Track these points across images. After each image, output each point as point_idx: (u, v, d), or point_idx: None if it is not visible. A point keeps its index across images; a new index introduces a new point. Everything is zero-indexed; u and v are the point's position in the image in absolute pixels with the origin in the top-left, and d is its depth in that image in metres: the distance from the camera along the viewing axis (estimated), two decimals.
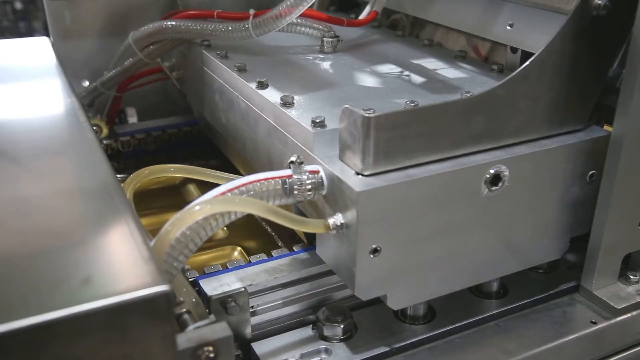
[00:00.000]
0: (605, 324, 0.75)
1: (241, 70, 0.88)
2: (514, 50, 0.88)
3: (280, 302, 0.72)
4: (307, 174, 0.65)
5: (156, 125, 1.20)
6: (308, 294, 0.74)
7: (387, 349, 0.69)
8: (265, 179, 0.65)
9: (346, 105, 0.63)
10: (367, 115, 0.60)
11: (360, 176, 0.62)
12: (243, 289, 0.67)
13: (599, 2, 0.66)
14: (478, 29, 0.90)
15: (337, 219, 0.64)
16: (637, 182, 0.73)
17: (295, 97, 0.77)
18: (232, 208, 0.61)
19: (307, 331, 0.72)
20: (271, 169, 0.80)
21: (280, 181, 0.65)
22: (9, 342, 0.40)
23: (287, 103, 0.75)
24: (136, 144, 1.17)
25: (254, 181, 0.64)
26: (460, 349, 0.71)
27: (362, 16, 1.09)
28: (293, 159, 0.67)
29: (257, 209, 0.61)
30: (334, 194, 0.64)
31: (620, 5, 0.67)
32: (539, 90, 0.68)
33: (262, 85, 0.81)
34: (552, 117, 0.71)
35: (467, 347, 0.71)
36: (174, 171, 0.82)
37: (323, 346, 0.70)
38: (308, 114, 0.72)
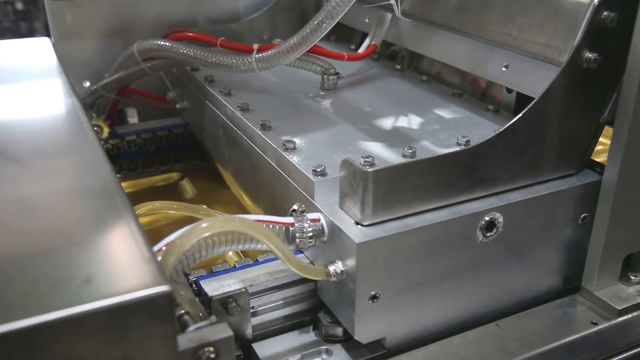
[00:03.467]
0: (606, 324, 0.76)
1: (244, 109, 0.91)
2: (509, 90, 0.90)
3: (281, 302, 0.73)
4: (308, 222, 0.68)
5: (157, 125, 1.20)
6: (309, 294, 0.74)
7: (387, 349, 0.70)
8: (270, 222, 0.67)
9: (346, 157, 0.65)
10: (365, 169, 0.62)
11: (359, 226, 0.65)
12: (244, 290, 0.68)
13: (590, 56, 0.69)
14: (474, 68, 0.92)
15: (337, 266, 0.66)
16: (637, 185, 0.75)
17: (297, 141, 0.79)
18: (248, 231, 0.62)
19: (308, 332, 0.73)
20: (273, 207, 0.83)
21: (283, 227, 0.68)
22: (9, 343, 0.40)
23: (289, 148, 0.77)
24: (138, 144, 1.17)
25: (260, 221, 0.66)
26: (460, 350, 0.71)
27: (362, 50, 1.11)
28: (295, 207, 0.70)
29: (270, 240, 0.62)
30: (334, 242, 0.67)
31: (610, 59, 0.69)
32: (532, 139, 0.71)
33: (264, 128, 0.84)
34: (545, 164, 0.73)
35: (467, 348, 0.71)
36: (177, 209, 0.83)
37: (324, 347, 0.71)
38: (309, 161, 0.74)
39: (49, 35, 1.12)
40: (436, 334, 0.72)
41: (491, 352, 0.71)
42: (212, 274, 0.73)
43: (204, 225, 0.60)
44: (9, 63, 0.94)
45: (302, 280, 0.74)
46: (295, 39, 0.90)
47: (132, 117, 1.22)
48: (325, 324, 0.72)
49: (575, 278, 0.81)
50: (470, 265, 0.70)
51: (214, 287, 0.69)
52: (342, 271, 0.66)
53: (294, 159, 0.75)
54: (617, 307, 0.77)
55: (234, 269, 0.74)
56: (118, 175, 1.14)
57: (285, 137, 0.80)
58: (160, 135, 1.19)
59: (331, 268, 0.66)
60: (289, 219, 0.68)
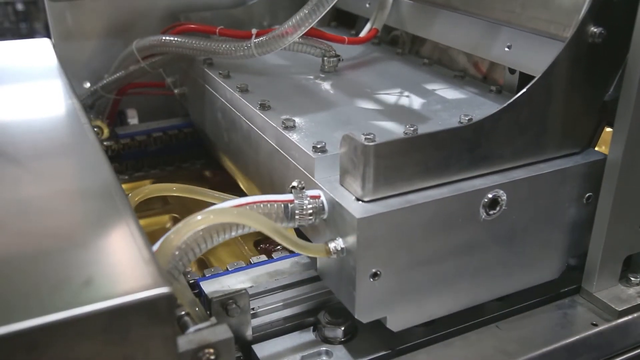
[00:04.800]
0: (606, 325, 0.75)
1: (243, 90, 0.89)
2: (512, 71, 0.89)
3: (281, 304, 0.73)
4: (308, 199, 0.67)
5: (157, 126, 1.21)
6: (309, 295, 0.74)
7: (388, 351, 0.70)
8: (268, 201, 0.66)
9: (346, 133, 0.64)
10: (367, 143, 0.61)
11: (360, 202, 0.64)
12: (244, 291, 0.67)
13: (595, 30, 0.68)
14: (477, 49, 0.91)
15: (337, 243, 0.65)
16: (634, 203, 0.75)
17: (297, 120, 0.78)
18: (240, 220, 0.61)
19: (308, 333, 0.73)
20: (273, 189, 0.82)
21: (282, 205, 0.66)
22: (10, 344, 0.41)
23: (288, 126, 0.76)
24: (138, 145, 1.18)
25: (257, 202, 0.65)
26: (460, 351, 0.71)
27: (363, 34, 1.10)
28: (295, 184, 0.68)
29: (264, 226, 0.62)
30: (334, 219, 0.65)
31: (615, 34, 0.68)
32: (536, 115, 0.69)
33: (264, 107, 0.83)
34: (549, 141, 0.72)
35: (468, 349, 0.71)
36: (176, 190, 0.83)
37: (324, 348, 0.70)
38: (309, 138, 0.73)
39: (49, 36, 1.12)
40: (437, 314, 0.71)
41: (491, 353, 0.71)
42: (212, 275, 0.73)
43: (199, 217, 0.60)
44: (10, 64, 0.94)
45: (303, 282, 0.74)
46: (293, 20, 0.89)
47: (132, 118, 1.22)
48: (325, 325, 0.71)
49: (576, 279, 0.80)
50: (474, 244, 0.69)
51: (214, 289, 0.69)
52: (342, 248, 0.65)
53: (294, 137, 0.74)
54: (617, 308, 0.76)
55: (234, 270, 0.73)
56: (124, 176, 1.16)
57: (284, 116, 0.79)
58: (161, 136, 1.19)
59: (331, 245, 0.65)
60: (289, 196, 0.67)
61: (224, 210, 0.62)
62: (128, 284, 0.45)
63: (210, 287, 0.70)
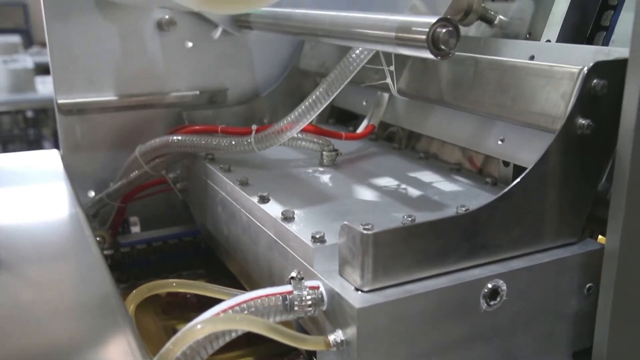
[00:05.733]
0: None
1: (243, 183, 0.91)
2: (506, 163, 0.91)
3: None
4: (307, 289, 0.66)
5: (159, 235, 1.22)
6: None
7: None
8: (266, 295, 0.66)
9: (345, 222, 0.65)
10: (365, 232, 0.61)
11: (359, 292, 0.63)
12: None
13: (583, 122, 0.70)
14: (471, 143, 0.93)
15: (337, 335, 0.64)
16: (636, 293, 0.74)
17: (296, 212, 0.79)
18: (233, 326, 0.62)
19: None
20: (272, 281, 0.81)
21: (280, 297, 0.66)
22: None
23: (287, 217, 0.77)
24: (138, 254, 1.18)
25: (255, 298, 0.65)
26: None
27: (360, 130, 1.14)
28: (293, 274, 0.68)
29: (258, 327, 0.62)
30: (334, 310, 0.65)
31: (603, 126, 0.71)
32: (531, 205, 0.71)
33: (263, 200, 0.84)
34: (545, 231, 0.73)
35: None
36: (176, 286, 0.83)
37: None
38: (308, 229, 0.74)
39: (57, 144, 1.16)
40: None
41: None
42: None
43: (198, 327, 0.60)
44: (20, 174, 0.99)
45: None
46: (292, 116, 0.93)
47: (135, 226, 1.24)
48: None
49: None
50: (475, 336, 0.68)
51: None
52: (342, 340, 0.64)
53: (293, 227, 0.75)
54: None
55: None
56: (125, 285, 1.16)
57: (283, 208, 0.80)
58: (163, 245, 1.20)
59: (331, 337, 0.64)
60: (287, 288, 0.67)
61: (219, 319, 0.62)
62: None
63: None
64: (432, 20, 0.69)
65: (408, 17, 0.74)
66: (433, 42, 0.69)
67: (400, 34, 0.72)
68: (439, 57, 0.70)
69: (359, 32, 0.81)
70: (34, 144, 3.91)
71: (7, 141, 3.86)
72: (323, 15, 0.90)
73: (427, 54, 0.70)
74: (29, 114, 3.85)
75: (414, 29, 0.71)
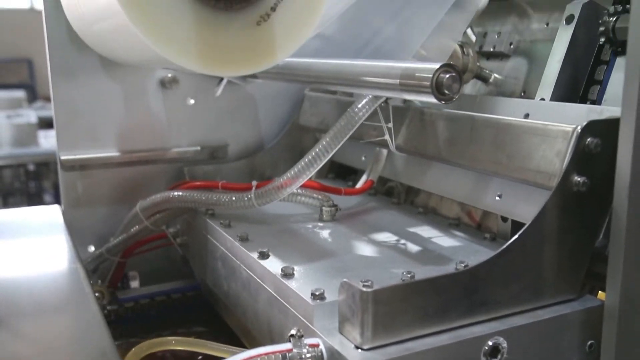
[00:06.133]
0: None
1: (243, 239, 0.92)
2: (504, 219, 0.92)
3: None
4: (307, 347, 0.66)
5: (158, 290, 1.21)
6: None
7: None
8: (266, 354, 0.65)
9: (344, 279, 0.65)
10: (365, 289, 0.62)
11: (359, 350, 0.63)
12: None
13: (579, 179, 0.71)
14: (469, 198, 0.94)
15: None
16: (637, 351, 0.74)
17: (296, 268, 0.79)
18: None
19: None
20: (271, 338, 0.81)
21: (280, 356, 0.66)
22: None
23: (287, 274, 0.77)
24: (138, 309, 1.17)
25: (255, 356, 0.65)
26: None
27: (359, 185, 1.15)
28: (293, 332, 0.68)
29: None
30: None
31: (598, 183, 0.72)
32: (529, 261, 0.71)
33: (263, 256, 0.84)
34: (545, 287, 0.73)
35: None
36: (175, 344, 0.82)
37: None
38: (308, 286, 0.74)
39: (57, 196, 1.17)
40: None
41: None
42: None
43: None
44: (21, 230, 1.00)
45: None
46: (291, 172, 0.94)
47: (134, 281, 1.24)
48: None
49: None
50: None
51: None
52: None
53: (292, 284, 0.75)
54: None
55: None
56: (122, 340, 1.14)
57: (283, 265, 0.80)
58: (164, 300, 1.19)
59: None
60: (287, 346, 0.67)
61: None
62: None
63: None
64: (435, 66, 0.71)
65: (411, 64, 0.76)
66: (437, 87, 0.71)
67: (404, 80, 0.74)
68: (442, 102, 0.71)
69: (364, 79, 0.83)
70: (35, 197, 3.92)
71: (8, 194, 3.88)
72: (328, 64, 0.92)
73: (431, 99, 0.71)
74: (31, 167, 3.89)
75: (417, 74, 0.73)
